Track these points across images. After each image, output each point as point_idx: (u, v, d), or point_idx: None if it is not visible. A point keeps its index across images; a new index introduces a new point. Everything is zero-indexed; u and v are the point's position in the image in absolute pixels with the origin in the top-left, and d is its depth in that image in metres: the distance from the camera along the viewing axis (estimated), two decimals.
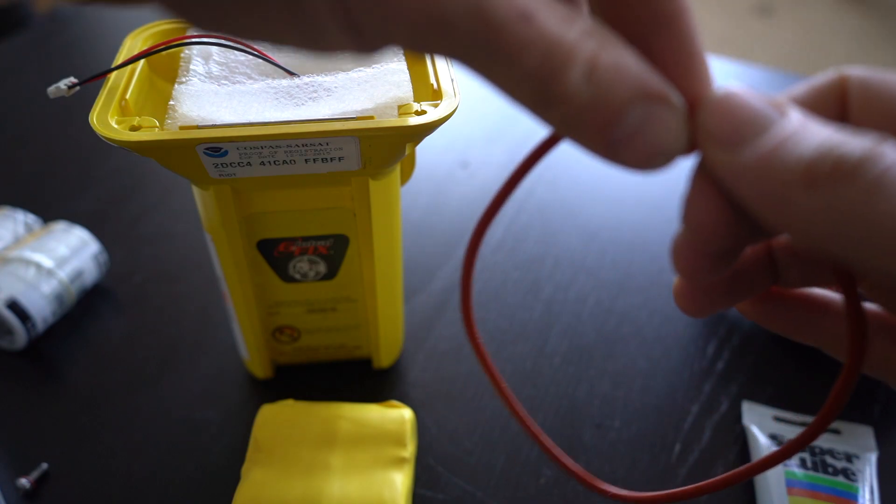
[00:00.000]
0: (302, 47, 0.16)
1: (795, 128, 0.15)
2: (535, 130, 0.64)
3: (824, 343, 0.21)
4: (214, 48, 0.33)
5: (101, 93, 0.30)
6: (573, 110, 0.15)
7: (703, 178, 0.16)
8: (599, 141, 0.16)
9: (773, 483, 0.36)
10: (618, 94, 0.15)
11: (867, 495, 0.36)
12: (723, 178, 0.15)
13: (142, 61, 0.33)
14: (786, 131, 0.14)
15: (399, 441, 0.36)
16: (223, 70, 0.32)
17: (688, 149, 0.16)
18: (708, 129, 0.15)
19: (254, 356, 0.41)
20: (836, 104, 0.17)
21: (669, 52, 0.16)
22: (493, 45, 0.15)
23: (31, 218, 0.49)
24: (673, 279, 0.50)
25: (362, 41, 0.15)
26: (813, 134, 0.14)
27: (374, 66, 0.32)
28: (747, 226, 0.16)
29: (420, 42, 0.15)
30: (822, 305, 0.21)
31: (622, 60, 0.15)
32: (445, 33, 0.15)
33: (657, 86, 0.15)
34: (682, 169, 0.60)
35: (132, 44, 0.34)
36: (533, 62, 0.15)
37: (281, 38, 0.16)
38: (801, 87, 0.18)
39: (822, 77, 0.18)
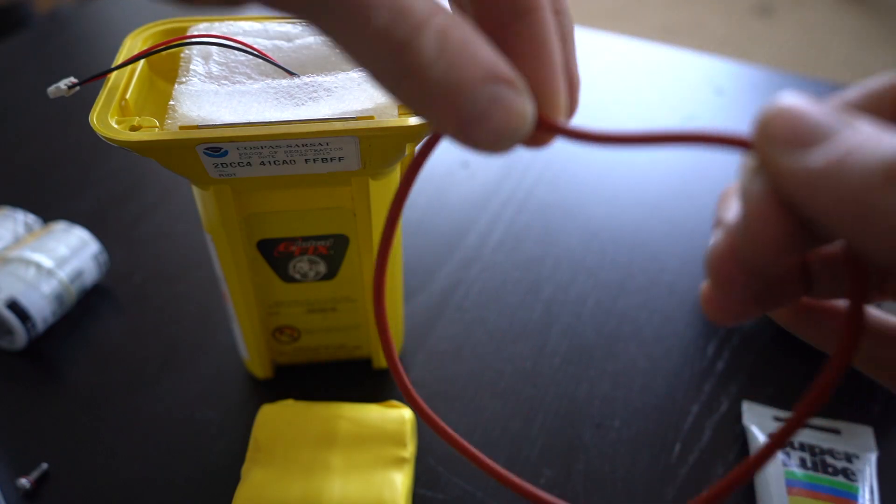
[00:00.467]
0: (172, 2, 0.17)
1: (869, 133, 0.14)
2: None
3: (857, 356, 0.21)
4: (214, 48, 0.33)
5: (101, 93, 0.30)
6: (428, 83, 0.16)
7: (761, 187, 0.16)
8: (453, 119, 0.16)
9: (772, 483, 0.36)
10: (470, 72, 0.16)
11: (867, 495, 0.36)
12: (788, 184, 0.15)
13: (142, 61, 0.33)
14: (859, 136, 0.14)
15: (399, 441, 0.36)
16: (223, 70, 0.32)
17: (532, 135, 0.17)
18: (773, 132, 0.15)
19: (254, 356, 0.41)
20: (893, 109, 0.17)
21: (523, 41, 0.17)
22: (342, 4, 0.15)
23: (31, 218, 0.49)
24: (673, 279, 0.50)
25: None
26: (889, 138, 0.14)
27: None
28: (805, 236, 0.16)
29: None
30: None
31: (471, 39, 0.16)
32: None
33: (506, 68, 0.16)
34: (683, 169, 0.60)
35: (132, 44, 0.34)
36: (382, 20, 0.15)
37: None
38: (855, 91, 0.17)
39: (878, 81, 0.17)
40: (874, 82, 0.17)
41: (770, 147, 0.15)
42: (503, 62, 0.16)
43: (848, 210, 0.14)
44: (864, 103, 0.17)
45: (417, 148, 0.21)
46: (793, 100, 0.15)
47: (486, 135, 0.16)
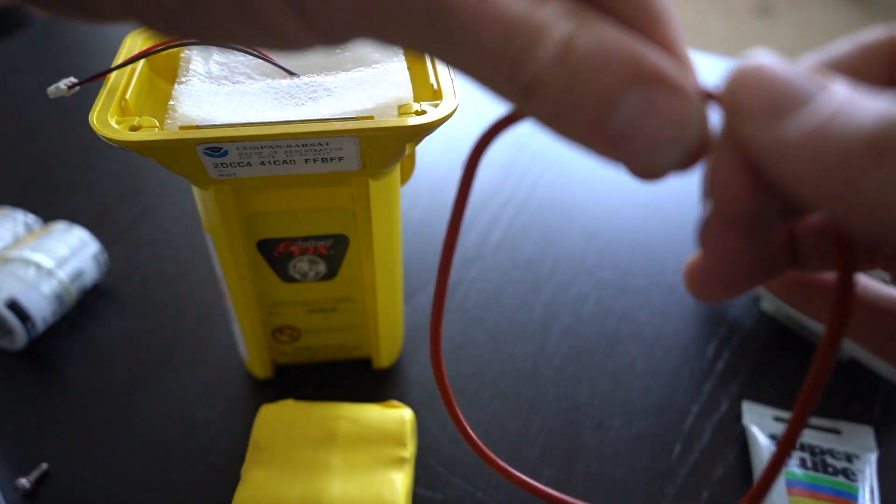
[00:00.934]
0: (269, 47, 0.16)
1: (844, 98, 0.13)
2: (535, 130, 0.64)
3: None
4: (214, 48, 0.33)
5: (101, 93, 0.30)
6: (553, 98, 0.14)
7: (726, 144, 0.15)
8: (596, 136, 0.14)
9: (773, 484, 0.36)
10: (604, 79, 0.14)
11: (867, 495, 0.35)
12: (759, 156, 0.14)
13: (142, 61, 0.33)
14: (834, 102, 0.13)
15: (399, 441, 0.36)
16: (223, 70, 0.32)
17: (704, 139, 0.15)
18: (739, 100, 0.14)
19: (254, 356, 0.41)
20: (883, 67, 0.15)
21: (639, 23, 0.15)
22: (449, 27, 0.14)
23: (31, 218, 0.49)
24: (673, 279, 0.50)
25: (324, 36, 0.15)
26: (867, 104, 0.13)
27: (374, 66, 0.32)
28: (776, 196, 0.15)
29: (377, 30, 0.14)
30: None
31: (606, 39, 0.14)
32: (399, 18, 0.14)
33: (654, 65, 0.14)
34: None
35: (132, 44, 0.34)
36: (492, 42, 0.14)
37: (244, 40, 0.15)
38: (844, 45, 0.16)
39: (869, 35, 0.16)
40: (865, 37, 0.16)
41: (739, 114, 0.14)
42: (651, 55, 0.14)
43: (828, 185, 0.13)
44: (852, 61, 0.16)
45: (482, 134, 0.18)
46: (766, 58, 0.14)
47: (641, 149, 0.14)
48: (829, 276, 0.20)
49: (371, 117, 0.29)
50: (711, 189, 0.15)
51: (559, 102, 0.14)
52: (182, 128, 0.29)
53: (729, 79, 0.14)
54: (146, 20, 0.15)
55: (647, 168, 0.15)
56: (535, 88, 0.14)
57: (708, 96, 0.15)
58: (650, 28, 0.15)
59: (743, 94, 0.14)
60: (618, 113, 0.14)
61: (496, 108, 0.67)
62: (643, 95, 0.14)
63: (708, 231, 0.16)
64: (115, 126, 0.29)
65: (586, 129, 0.14)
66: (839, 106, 0.13)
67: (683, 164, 0.15)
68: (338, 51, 0.33)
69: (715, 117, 0.15)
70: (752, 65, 0.14)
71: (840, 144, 0.12)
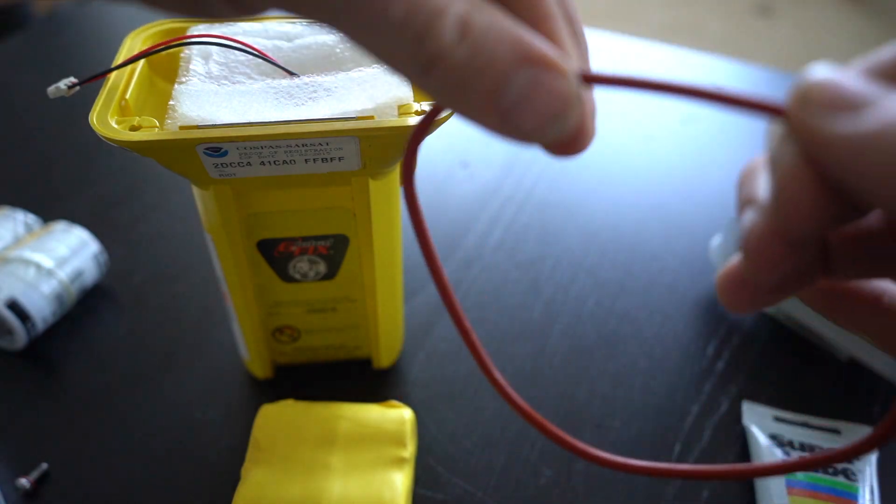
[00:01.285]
0: (190, 14, 0.17)
1: None
2: None
3: (874, 335, 0.20)
4: (214, 48, 0.33)
5: (100, 93, 0.30)
6: (453, 73, 0.15)
7: (794, 155, 0.15)
8: (489, 110, 0.16)
9: (773, 483, 0.36)
10: (499, 56, 0.15)
11: (867, 495, 0.36)
12: (826, 151, 0.14)
13: (142, 61, 0.33)
14: None
15: (399, 441, 0.36)
16: (223, 70, 0.32)
17: (580, 122, 0.17)
18: (811, 97, 0.14)
19: (254, 356, 0.41)
20: None
21: (525, 12, 0.16)
22: (357, 3, 0.15)
23: (30, 218, 0.49)
24: (673, 279, 0.50)
25: (240, 7, 0.16)
26: None
27: (374, 65, 0.32)
28: (840, 207, 0.15)
29: (289, 3, 0.16)
30: (872, 298, 0.20)
31: (498, 22, 0.15)
32: None
33: (539, 49, 0.15)
34: (683, 169, 0.60)
35: (132, 44, 0.34)
36: (399, 13, 0.15)
37: (168, 7, 0.17)
38: (888, 53, 0.16)
39: None
40: None
41: (807, 112, 0.14)
42: (540, 43, 0.16)
43: (893, 179, 0.13)
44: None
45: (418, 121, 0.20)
46: (828, 71, 0.15)
47: (529, 123, 0.16)
48: (859, 284, 0.20)
49: (371, 117, 0.29)
50: (778, 205, 0.15)
51: (457, 77, 0.15)
52: (182, 128, 0.29)
53: (797, 85, 0.15)
54: None
55: (534, 140, 0.16)
56: (436, 62, 0.15)
57: (776, 111, 0.16)
58: (538, 22, 0.17)
59: (815, 95, 0.14)
60: (509, 89, 0.15)
61: None
62: (531, 74, 0.15)
63: (757, 243, 0.17)
64: (115, 126, 0.29)
65: (481, 103, 0.16)
66: None
67: (566, 144, 0.17)
68: (338, 50, 0.33)
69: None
70: (819, 73, 0.15)
71: None
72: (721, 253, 0.47)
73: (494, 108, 0.16)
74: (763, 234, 0.17)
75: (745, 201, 0.18)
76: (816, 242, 0.18)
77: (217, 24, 0.34)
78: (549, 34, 0.17)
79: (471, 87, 0.15)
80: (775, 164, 0.16)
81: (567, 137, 0.17)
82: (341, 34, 0.16)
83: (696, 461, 0.39)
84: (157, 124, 0.29)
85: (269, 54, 0.33)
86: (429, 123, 0.20)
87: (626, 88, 0.17)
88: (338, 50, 0.33)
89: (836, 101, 0.14)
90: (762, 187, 0.18)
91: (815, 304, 0.21)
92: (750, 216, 0.17)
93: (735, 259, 0.19)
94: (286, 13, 0.17)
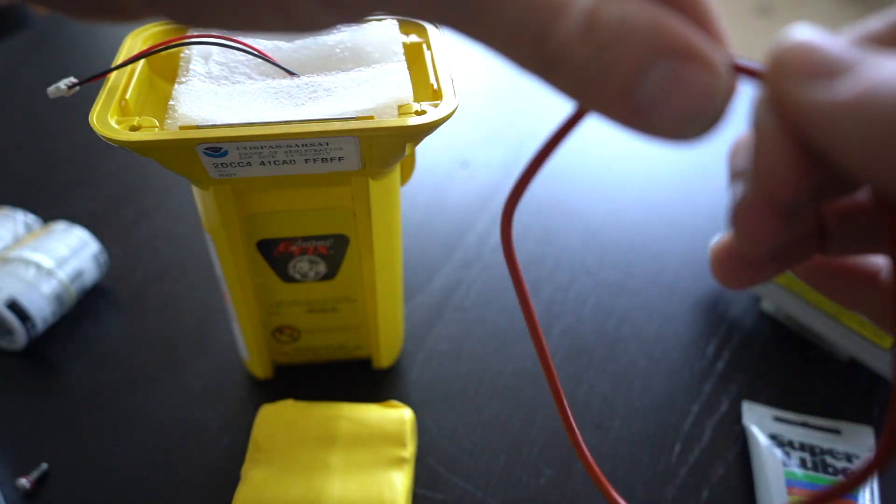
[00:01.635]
0: (290, 32, 0.16)
1: (893, 66, 0.13)
2: (535, 130, 0.64)
3: (868, 311, 0.20)
4: (214, 48, 0.33)
5: (100, 93, 0.30)
6: (578, 71, 0.14)
7: (772, 122, 0.14)
8: (621, 109, 0.14)
9: (773, 483, 0.36)
10: (629, 52, 0.14)
11: (867, 495, 0.36)
12: (808, 124, 0.13)
13: (142, 61, 0.33)
14: (884, 68, 0.13)
15: (399, 441, 0.36)
16: (223, 70, 0.32)
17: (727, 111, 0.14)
18: (789, 63, 0.14)
19: (254, 356, 0.41)
20: None
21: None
22: (468, 1, 0.14)
23: (30, 218, 0.49)
24: (673, 279, 0.50)
25: (345, 14, 0.15)
26: None
27: (374, 65, 0.32)
28: (824, 175, 0.14)
29: (394, 4, 0.15)
30: (868, 274, 0.20)
31: (632, 11, 0.14)
32: None
33: (680, 39, 0.14)
34: (683, 169, 0.60)
35: (132, 43, 0.34)
36: (514, 13, 0.14)
37: (268, 27, 0.16)
38: (877, 22, 0.15)
39: None
40: None
41: (785, 79, 0.14)
42: (679, 28, 0.14)
43: (874, 149, 0.12)
44: (883, 36, 0.15)
45: (562, 121, 0.18)
46: (808, 33, 0.14)
47: (666, 121, 0.14)
48: (855, 260, 0.20)
49: (371, 117, 0.29)
50: (757, 172, 0.15)
51: (584, 75, 0.14)
52: (182, 128, 0.29)
53: (774, 50, 0.14)
54: (169, 13, 0.15)
55: (671, 139, 0.15)
56: (559, 61, 0.14)
57: (750, 72, 0.15)
58: (688, 6, 0.15)
59: (791, 60, 0.14)
60: (643, 86, 0.14)
61: (496, 107, 0.67)
62: (669, 68, 0.14)
63: (743, 213, 0.16)
64: (115, 126, 0.29)
65: (611, 101, 0.14)
66: (890, 72, 0.13)
67: (706, 134, 0.15)
68: (338, 50, 0.33)
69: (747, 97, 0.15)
70: (797, 36, 0.14)
71: (890, 107, 0.12)
72: None
73: (628, 106, 0.14)
74: (749, 204, 0.16)
75: (734, 174, 0.17)
76: (807, 216, 0.17)
77: None
78: (699, 19, 0.15)
79: (600, 85, 0.14)
80: (756, 131, 0.15)
81: (710, 133, 0.15)
82: (459, 34, 0.15)
83: (697, 461, 0.39)
84: (157, 124, 0.29)
85: (269, 54, 0.33)
86: (570, 127, 0.18)
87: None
88: (338, 50, 0.33)
89: (813, 67, 0.13)
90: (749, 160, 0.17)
91: (810, 280, 0.20)
92: (737, 187, 0.17)
93: (728, 233, 0.19)
94: (388, 14, 0.15)
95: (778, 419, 0.40)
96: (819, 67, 0.13)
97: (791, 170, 0.14)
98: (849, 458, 0.37)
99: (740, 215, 0.16)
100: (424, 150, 0.61)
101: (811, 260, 0.20)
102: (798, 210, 0.16)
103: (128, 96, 0.30)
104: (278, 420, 0.37)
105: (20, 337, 0.43)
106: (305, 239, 0.36)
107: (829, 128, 0.13)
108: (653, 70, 0.14)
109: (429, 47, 0.34)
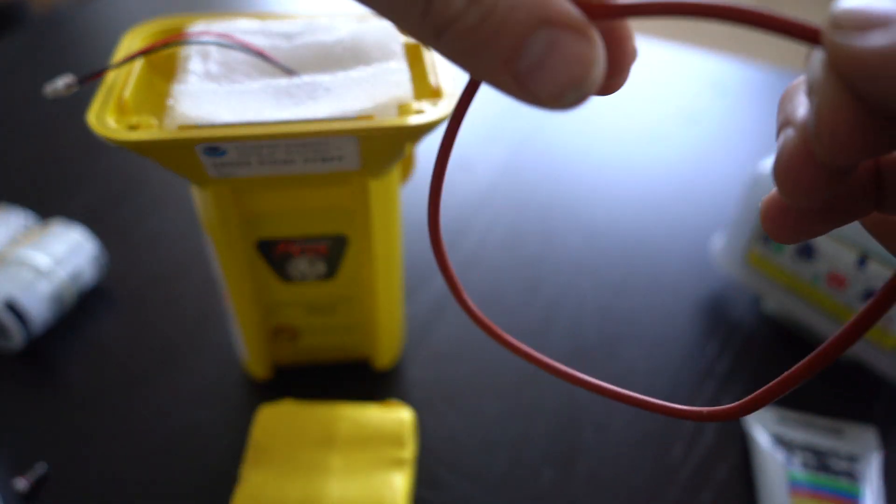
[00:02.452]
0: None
1: None
2: (535, 130, 0.64)
3: None
4: (213, 47, 0.33)
5: (98, 91, 0.30)
6: (465, 36, 0.15)
7: (833, 83, 0.14)
8: (506, 75, 0.15)
9: (775, 485, 0.36)
10: (514, 19, 0.14)
11: (870, 496, 0.35)
12: (866, 71, 0.14)
13: (140, 60, 0.32)
14: None
15: (399, 442, 0.36)
16: (222, 69, 0.32)
17: (603, 82, 0.15)
18: (844, 18, 0.14)
19: (253, 356, 0.41)
20: None
21: None
22: None
23: (29, 218, 0.49)
24: (673, 279, 0.49)
25: None
26: None
27: (373, 65, 0.32)
28: (882, 132, 0.14)
29: None
30: None
31: None
32: None
33: (561, 9, 0.15)
34: (683, 169, 0.59)
35: (130, 42, 0.33)
36: None
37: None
38: None
39: None
40: None
41: (839, 33, 0.14)
42: (560, 2, 0.15)
43: None
44: None
45: (461, 90, 0.18)
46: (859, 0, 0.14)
47: (547, 88, 0.15)
48: None
49: (370, 117, 0.29)
50: (819, 132, 0.15)
51: (469, 42, 0.15)
52: (181, 127, 0.29)
53: (830, 13, 0.14)
54: None
55: (552, 106, 0.15)
56: (446, 28, 0.15)
57: (809, 33, 0.15)
58: None
59: (845, 16, 0.14)
60: (526, 53, 0.14)
61: (496, 107, 0.67)
62: (550, 37, 0.14)
63: (795, 166, 0.16)
64: (113, 125, 0.28)
65: (496, 68, 0.15)
66: None
67: (583, 102, 0.16)
68: (337, 50, 0.33)
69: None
70: (849, 2, 0.14)
71: None
72: (725, 255, 0.47)
73: (511, 72, 0.15)
74: (795, 154, 0.16)
75: (783, 122, 0.17)
76: (858, 174, 0.17)
77: (216, 22, 0.34)
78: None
79: (485, 51, 0.15)
80: (814, 90, 0.15)
81: (585, 102, 0.16)
82: None
83: (698, 461, 0.39)
84: (156, 124, 0.29)
85: (269, 53, 0.32)
86: (471, 95, 0.18)
87: (653, 15, 0.16)
88: (337, 49, 0.33)
89: (868, 20, 0.14)
90: (801, 108, 0.17)
91: (877, 234, 0.20)
92: (787, 134, 0.16)
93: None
94: None
95: (780, 419, 0.40)
96: (873, 19, 0.14)
97: (853, 131, 0.14)
98: (852, 458, 0.37)
99: (791, 167, 0.16)
100: (424, 150, 0.61)
101: (866, 215, 0.19)
102: (846, 171, 0.15)
103: (126, 95, 0.30)
104: (277, 421, 0.36)
105: (18, 337, 0.42)
106: (305, 239, 0.36)
107: (886, 72, 0.13)
108: (535, 37, 0.14)
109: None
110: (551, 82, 0.15)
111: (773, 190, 0.18)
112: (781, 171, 0.16)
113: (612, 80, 0.17)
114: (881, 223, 0.19)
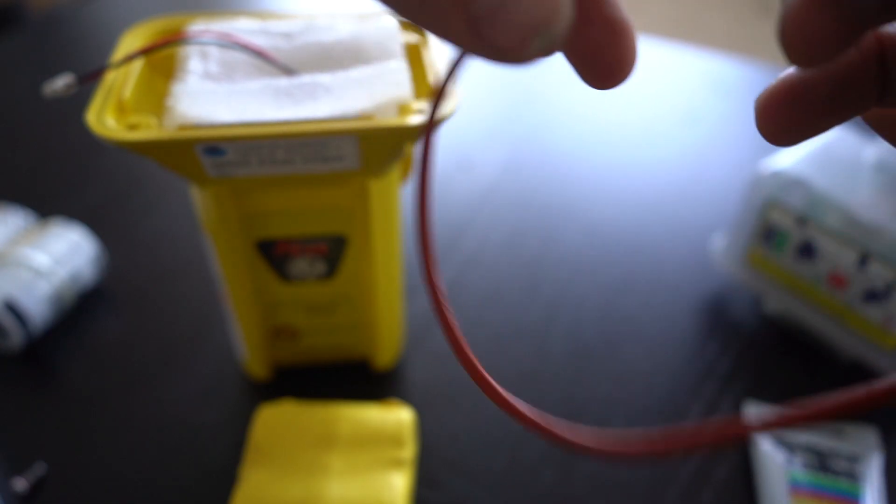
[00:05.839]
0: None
1: None
2: (536, 129, 0.64)
3: None
4: (213, 47, 0.33)
5: (97, 91, 0.30)
6: None
7: None
8: (459, 22, 0.13)
9: (775, 485, 0.36)
10: None
11: (871, 497, 0.35)
12: None
13: (140, 60, 0.32)
14: None
15: (399, 442, 0.36)
16: (222, 69, 0.32)
17: (573, 28, 0.13)
18: None
19: (253, 357, 0.41)
20: None
21: None
22: None
23: (28, 218, 0.49)
24: (673, 279, 0.49)
25: None
26: None
27: (373, 64, 0.32)
28: None
29: None
30: None
31: None
32: None
33: None
34: (683, 169, 0.59)
35: (130, 42, 0.33)
36: None
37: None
38: None
39: None
40: None
41: None
42: None
43: None
44: None
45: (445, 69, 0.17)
46: None
47: (507, 34, 0.13)
48: None
49: (370, 117, 0.29)
50: None
51: None
52: (180, 127, 0.28)
53: None
54: None
55: (515, 59, 0.13)
56: None
57: None
58: None
59: None
60: None
61: (496, 106, 0.67)
62: None
63: (804, 9, 0.14)
64: (113, 125, 0.28)
65: (447, 13, 0.13)
66: None
67: (604, 75, 0.14)
68: (337, 49, 0.33)
69: None
70: None
71: None
72: (726, 255, 0.47)
73: (465, 17, 0.13)
74: (804, 6, 0.14)
75: None
76: (864, 60, 0.16)
77: (216, 22, 0.34)
78: None
79: None
80: None
81: (552, 54, 0.14)
82: None
83: (697, 464, 0.39)
84: (155, 123, 0.29)
85: (268, 53, 0.32)
86: (453, 72, 0.17)
87: None
88: (337, 49, 0.33)
89: None
90: None
91: (881, 130, 0.19)
92: None
93: (781, 76, 0.17)
94: None
95: None
96: None
97: None
98: (853, 458, 0.37)
99: (799, 12, 0.15)
100: None
101: (868, 110, 0.18)
102: (862, 14, 0.14)
103: (126, 95, 0.30)
104: (277, 421, 0.36)
105: (17, 338, 0.42)
106: (305, 239, 0.36)
107: None
108: None
109: (428, 47, 0.34)
110: (512, 26, 0.13)
111: (769, 85, 0.17)
112: (791, 21, 0.15)
113: (614, 75, 0.16)
114: (883, 117, 0.18)
